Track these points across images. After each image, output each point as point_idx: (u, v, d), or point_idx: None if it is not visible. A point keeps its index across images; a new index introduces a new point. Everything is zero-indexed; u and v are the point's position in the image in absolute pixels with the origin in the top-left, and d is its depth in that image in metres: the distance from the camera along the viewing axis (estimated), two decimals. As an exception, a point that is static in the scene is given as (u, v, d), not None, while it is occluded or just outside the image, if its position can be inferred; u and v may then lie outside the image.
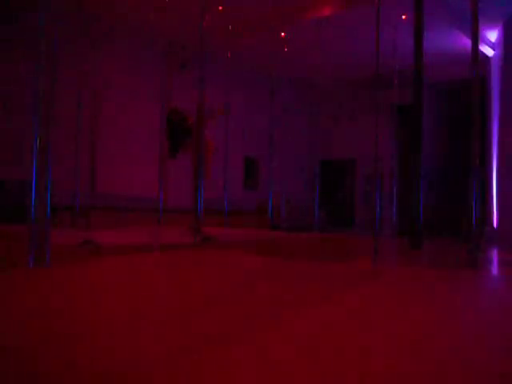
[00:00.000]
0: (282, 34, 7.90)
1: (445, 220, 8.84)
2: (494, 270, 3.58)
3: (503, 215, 7.59)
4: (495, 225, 7.94)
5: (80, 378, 1.00)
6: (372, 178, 9.47)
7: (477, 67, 3.32)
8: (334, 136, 11.61)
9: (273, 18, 7.48)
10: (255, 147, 10.30)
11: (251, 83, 10.12)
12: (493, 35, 8.20)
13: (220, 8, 6.85)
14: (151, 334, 1.34)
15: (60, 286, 2.08)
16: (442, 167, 10.17)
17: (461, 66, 5.60)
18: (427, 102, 6.06)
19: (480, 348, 1.30)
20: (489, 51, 8.42)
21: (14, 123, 6.44)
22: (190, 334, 1.35)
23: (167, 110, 6.03)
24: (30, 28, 2.77)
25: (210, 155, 5.88)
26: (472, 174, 3.21)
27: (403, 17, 6.71)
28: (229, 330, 1.40)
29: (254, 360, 1.13)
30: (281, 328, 1.44)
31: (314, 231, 7.37)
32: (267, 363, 1.10)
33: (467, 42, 4.06)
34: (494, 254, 4.85)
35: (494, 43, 8.39)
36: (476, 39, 3.37)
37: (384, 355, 1.19)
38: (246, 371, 1.05)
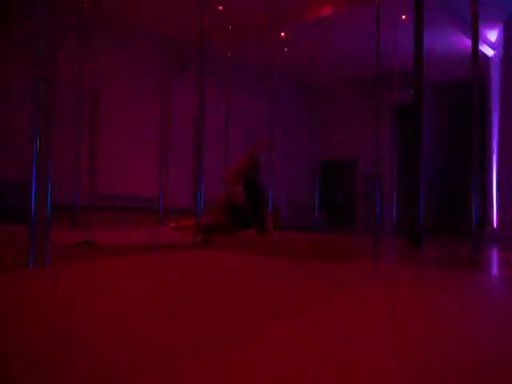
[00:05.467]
0: (282, 34, 7.91)
1: (445, 220, 8.85)
2: (495, 270, 3.59)
3: (503, 215, 7.59)
4: (495, 225, 7.94)
5: (79, 378, 1.00)
6: (372, 178, 9.47)
7: (477, 67, 3.32)
8: (334, 136, 11.61)
9: (273, 18, 7.49)
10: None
11: (251, 83, 10.12)
12: (493, 35, 8.20)
13: (220, 8, 6.85)
14: (151, 333, 1.34)
15: (60, 286, 2.08)
16: (442, 167, 10.18)
17: (461, 66, 5.60)
18: (427, 102, 6.06)
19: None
20: (489, 51, 8.42)
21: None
22: (192, 334, 1.35)
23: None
24: (29, 27, 2.77)
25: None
26: (472, 174, 3.21)
27: (403, 17, 6.71)
28: (232, 328, 1.40)
29: (250, 358, 1.13)
30: (279, 327, 1.44)
31: (314, 231, 7.38)
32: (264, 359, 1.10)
33: (467, 42, 4.06)
34: (494, 254, 4.85)
35: (493, 43, 8.39)
36: (476, 39, 3.37)
37: (382, 355, 1.20)
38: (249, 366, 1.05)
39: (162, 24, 6.82)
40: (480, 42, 7.40)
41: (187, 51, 8.54)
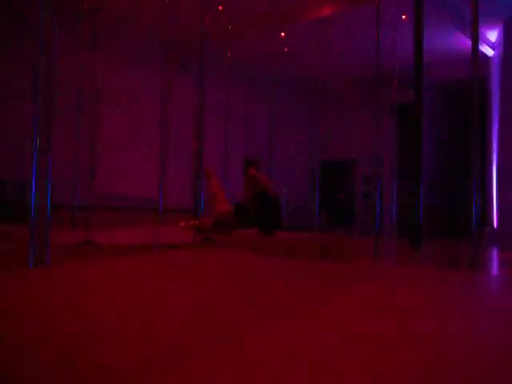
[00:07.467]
0: (282, 34, 7.90)
1: (445, 220, 8.85)
2: (494, 270, 3.59)
3: (503, 215, 7.59)
4: (495, 225, 7.94)
5: (77, 378, 1.00)
6: (372, 178, 9.48)
7: (477, 67, 3.32)
8: (334, 136, 11.61)
9: (273, 18, 7.48)
10: (255, 147, 10.32)
11: (251, 83, 10.12)
12: (493, 35, 8.19)
13: (220, 8, 6.85)
14: (151, 333, 1.34)
15: (60, 286, 2.08)
16: (442, 167, 10.17)
17: (461, 66, 5.61)
18: (427, 102, 6.06)
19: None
20: (489, 51, 8.42)
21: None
22: (193, 334, 1.35)
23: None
24: (29, 27, 2.78)
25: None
26: (472, 174, 3.21)
27: (403, 17, 6.71)
28: (229, 329, 1.40)
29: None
30: (279, 327, 1.44)
31: (315, 231, 7.37)
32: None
33: (467, 42, 4.06)
34: (494, 254, 4.85)
35: (494, 43, 8.39)
36: (476, 39, 3.37)
37: (381, 355, 1.20)
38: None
39: (162, 24, 6.82)
40: (480, 42, 7.40)
41: (187, 51, 8.54)
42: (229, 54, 7.92)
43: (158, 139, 7.59)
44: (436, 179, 9.75)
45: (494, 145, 8.14)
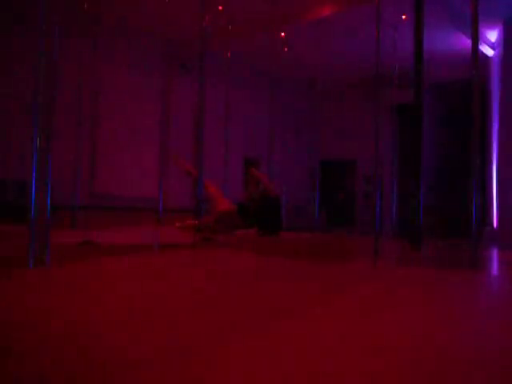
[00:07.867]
0: (282, 34, 7.91)
1: (445, 220, 8.85)
2: (494, 270, 3.59)
3: (503, 215, 7.59)
4: (495, 225, 7.94)
5: (77, 378, 1.00)
6: (372, 179, 9.48)
7: (477, 67, 3.32)
8: (334, 136, 11.61)
9: (273, 18, 7.49)
10: (255, 147, 10.32)
11: (251, 83, 10.12)
12: (493, 35, 8.20)
13: (220, 8, 6.86)
14: (151, 333, 1.34)
15: (60, 286, 2.08)
16: (442, 167, 10.18)
17: (461, 66, 5.61)
18: (427, 102, 6.07)
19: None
20: (489, 51, 8.43)
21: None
22: (192, 334, 1.35)
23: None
24: (30, 27, 2.78)
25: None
26: (472, 174, 3.20)
27: (403, 17, 6.71)
28: (228, 330, 1.40)
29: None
30: (279, 328, 1.44)
31: (315, 231, 7.38)
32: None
33: (467, 42, 4.06)
34: (494, 254, 4.85)
35: (494, 43, 8.39)
36: (476, 39, 3.36)
37: (379, 355, 1.19)
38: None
39: (163, 24, 6.82)
40: (480, 42, 7.40)
41: (187, 51, 8.55)
42: (229, 54, 7.91)
43: (158, 139, 7.59)
44: (436, 179, 9.75)
45: (494, 145, 8.14)
